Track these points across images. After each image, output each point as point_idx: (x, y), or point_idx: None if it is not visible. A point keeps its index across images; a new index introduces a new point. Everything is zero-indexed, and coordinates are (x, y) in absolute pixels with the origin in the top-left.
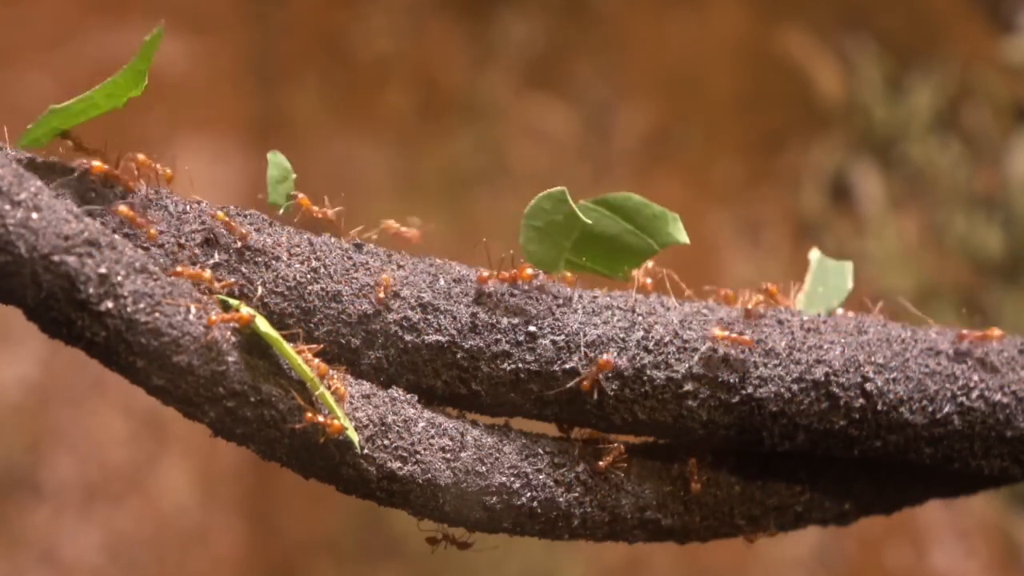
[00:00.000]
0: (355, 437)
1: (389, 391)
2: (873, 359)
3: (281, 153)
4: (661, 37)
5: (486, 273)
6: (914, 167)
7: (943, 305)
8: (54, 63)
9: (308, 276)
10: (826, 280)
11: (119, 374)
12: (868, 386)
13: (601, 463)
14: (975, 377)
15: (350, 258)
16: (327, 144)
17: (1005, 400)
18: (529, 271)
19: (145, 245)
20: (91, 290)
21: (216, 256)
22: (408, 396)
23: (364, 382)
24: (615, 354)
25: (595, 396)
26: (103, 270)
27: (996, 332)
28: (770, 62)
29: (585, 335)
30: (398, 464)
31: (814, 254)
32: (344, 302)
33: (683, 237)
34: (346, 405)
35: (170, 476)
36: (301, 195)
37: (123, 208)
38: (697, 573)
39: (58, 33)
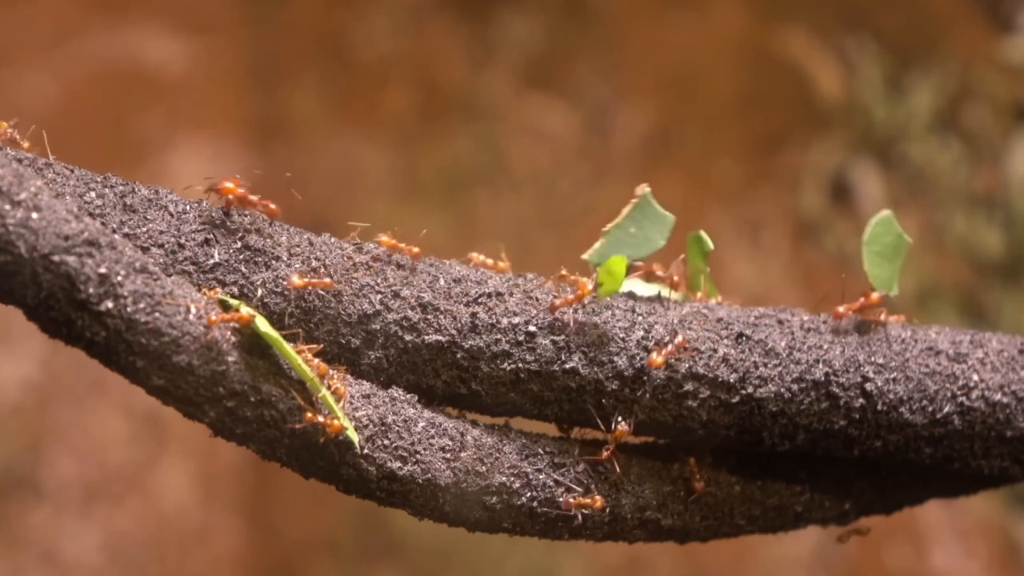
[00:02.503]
0: (355, 437)
1: (389, 391)
2: (873, 359)
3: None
4: (661, 37)
5: (558, 300)
6: (914, 167)
7: (943, 305)
8: (54, 63)
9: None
10: (643, 225)
11: (119, 374)
12: (868, 386)
13: (605, 453)
14: (975, 377)
15: (350, 258)
16: (327, 144)
17: (1005, 400)
18: (589, 285)
19: (145, 245)
20: (91, 290)
21: (216, 256)
22: (408, 396)
23: (364, 382)
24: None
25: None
26: (103, 270)
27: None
28: (770, 62)
29: (585, 335)
30: (398, 464)
31: (642, 189)
32: (344, 302)
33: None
34: (346, 405)
35: (170, 476)
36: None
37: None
38: (697, 573)
39: (58, 33)
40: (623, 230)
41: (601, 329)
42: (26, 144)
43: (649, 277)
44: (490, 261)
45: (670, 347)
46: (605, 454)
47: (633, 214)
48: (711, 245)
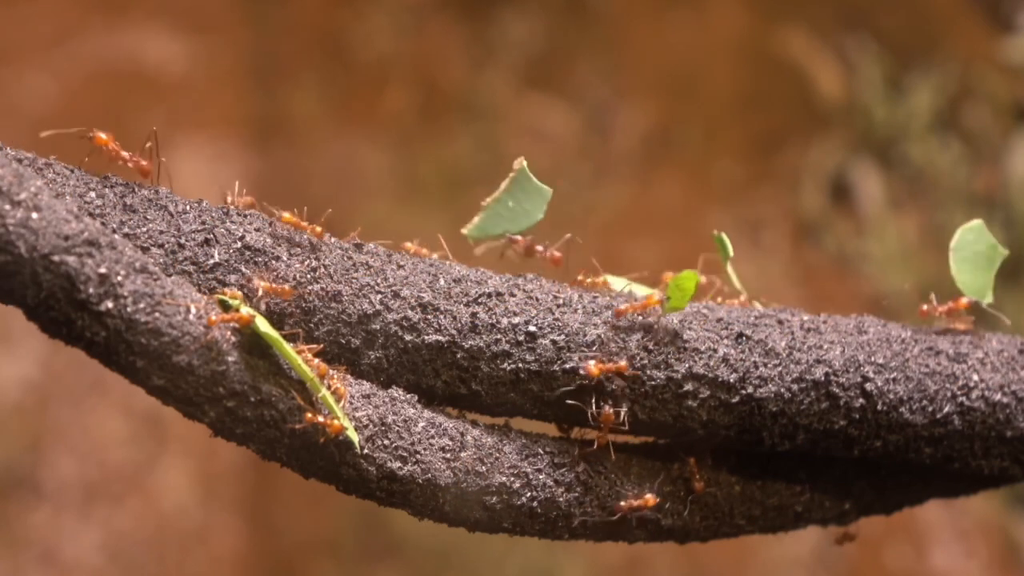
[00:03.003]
0: (355, 437)
1: (389, 391)
2: (873, 359)
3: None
4: (661, 37)
5: (624, 306)
6: (914, 167)
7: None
8: (54, 63)
9: (308, 276)
10: (521, 198)
11: (119, 374)
12: (868, 386)
13: (597, 440)
14: (975, 377)
15: (350, 258)
16: (327, 144)
17: (1005, 400)
18: (656, 295)
19: (145, 245)
20: (91, 290)
21: (216, 256)
22: (408, 396)
23: (364, 382)
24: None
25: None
26: (103, 270)
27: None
28: (770, 62)
29: (585, 335)
30: (398, 464)
31: (519, 163)
32: (344, 302)
33: None
34: (346, 405)
35: (170, 476)
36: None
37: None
38: (697, 573)
39: (58, 33)
40: (502, 204)
41: (673, 330)
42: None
43: (530, 252)
44: (424, 250)
45: (611, 365)
46: (597, 440)
47: (511, 188)
48: (730, 251)
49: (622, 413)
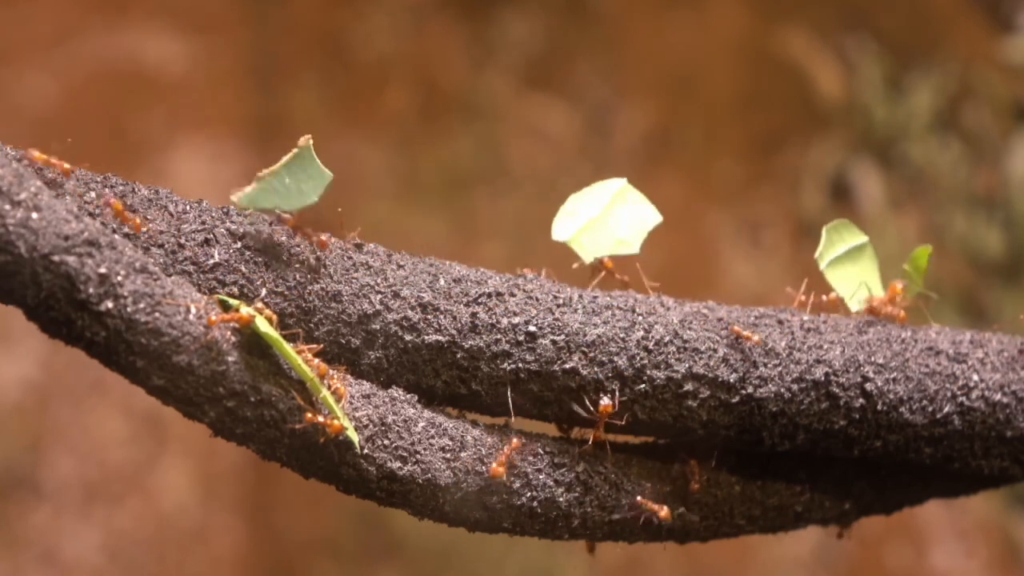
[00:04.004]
0: (355, 437)
1: (389, 391)
2: (873, 359)
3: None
4: (661, 37)
5: (876, 302)
6: (914, 167)
7: (943, 305)
8: (54, 63)
9: (308, 276)
10: (299, 177)
11: (119, 374)
12: (868, 386)
13: (594, 435)
14: (975, 377)
15: (350, 258)
16: (327, 144)
17: (1005, 400)
18: (899, 285)
19: (145, 245)
20: (91, 290)
21: (216, 256)
22: (408, 396)
23: (364, 382)
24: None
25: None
26: (103, 270)
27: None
28: (770, 62)
29: (585, 335)
30: (398, 464)
31: (305, 140)
32: (344, 302)
33: None
34: (346, 405)
35: (170, 476)
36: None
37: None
38: (697, 573)
39: (58, 33)
40: (278, 178)
41: (673, 330)
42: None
43: (296, 232)
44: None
45: (505, 449)
46: (593, 436)
47: (291, 164)
48: (924, 267)
49: (617, 403)
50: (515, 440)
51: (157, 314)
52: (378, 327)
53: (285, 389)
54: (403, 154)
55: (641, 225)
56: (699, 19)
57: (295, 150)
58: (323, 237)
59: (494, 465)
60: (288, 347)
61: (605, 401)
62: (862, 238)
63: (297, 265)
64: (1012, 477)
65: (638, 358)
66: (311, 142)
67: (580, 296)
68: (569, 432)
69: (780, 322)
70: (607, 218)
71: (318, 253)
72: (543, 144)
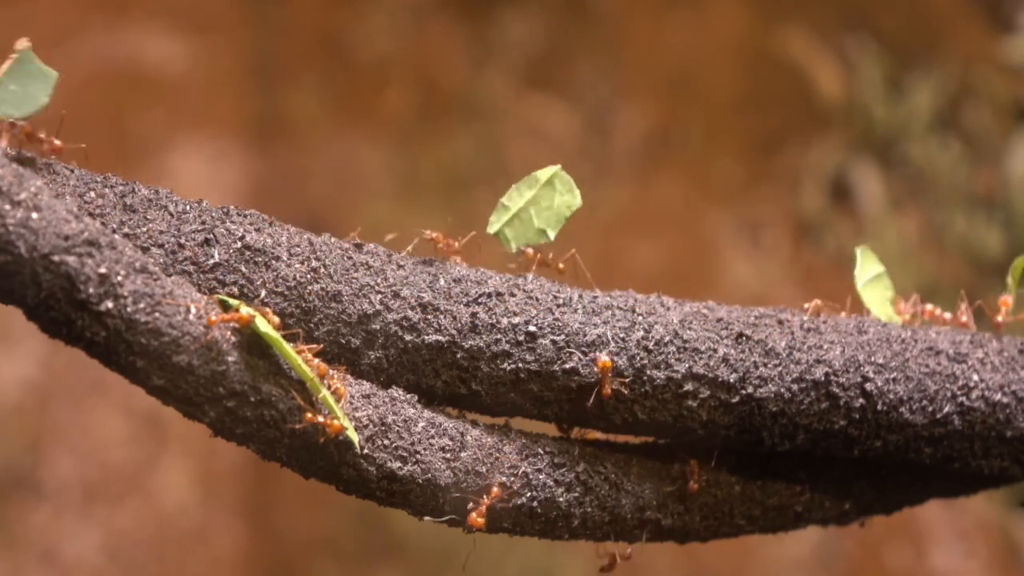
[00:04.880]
0: (355, 437)
1: (389, 391)
2: (873, 359)
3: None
4: (661, 37)
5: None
6: (914, 167)
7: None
8: (54, 63)
9: (308, 276)
10: (24, 82)
11: (119, 374)
12: (868, 386)
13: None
14: (975, 377)
15: (350, 258)
16: (327, 144)
17: (1005, 400)
18: (1009, 299)
19: (145, 245)
20: (91, 290)
21: (216, 256)
22: (408, 396)
23: (364, 382)
24: (611, 353)
25: (612, 398)
26: (103, 270)
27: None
28: (770, 62)
29: (585, 335)
30: (398, 464)
31: (22, 44)
32: (344, 302)
33: None
34: (346, 405)
35: (170, 476)
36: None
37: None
38: (697, 573)
39: (58, 33)
40: (3, 87)
41: (673, 330)
42: (58, 143)
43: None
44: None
45: (486, 499)
46: (606, 391)
47: (13, 70)
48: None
49: (612, 361)
50: (495, 489)
51: (157, 314)
52: (378, 327)
53: (285, 389)
54: (403, 154)
55: (560, 213)
56: (699, 19)
57: (13, 54)
58: (56, 143)
59: (473, 515)
60: (288, 347)
61: (604, 358)
62: (880, 268)
63: (297, 264)
64: (1012, 477)
65: (638, 358)
66: (29, 44)
67: (580, 296)
68: (569, 432)
69: (780, 322)
70: (529, 208)
71: (270, 221)
72: (543, 144)
